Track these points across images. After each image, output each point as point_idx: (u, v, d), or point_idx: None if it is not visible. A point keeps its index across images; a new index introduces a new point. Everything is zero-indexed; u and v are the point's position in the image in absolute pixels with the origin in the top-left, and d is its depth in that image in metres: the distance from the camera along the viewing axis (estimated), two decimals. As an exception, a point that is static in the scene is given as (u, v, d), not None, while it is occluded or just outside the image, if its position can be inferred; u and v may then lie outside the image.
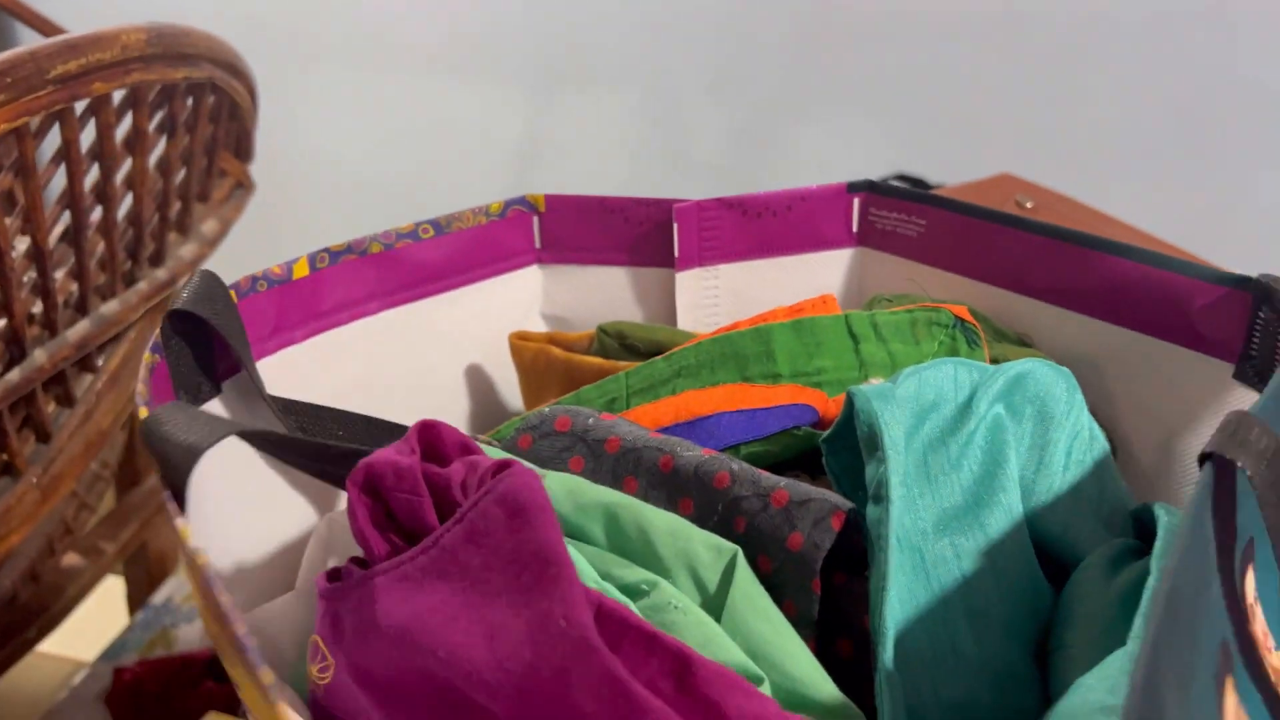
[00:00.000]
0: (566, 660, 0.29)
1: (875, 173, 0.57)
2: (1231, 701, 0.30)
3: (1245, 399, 0.45)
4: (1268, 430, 0.32)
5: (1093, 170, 1.12)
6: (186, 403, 0.43)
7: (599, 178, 1.18)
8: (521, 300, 0.59)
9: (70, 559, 0.75)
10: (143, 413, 0.37)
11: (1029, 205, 0.87)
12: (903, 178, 1.07)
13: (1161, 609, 0.25)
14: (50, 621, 0.73)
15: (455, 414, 0.58)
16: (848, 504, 0.37)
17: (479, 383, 0.58)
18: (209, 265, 0.73)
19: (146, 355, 0.40)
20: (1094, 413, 0.47)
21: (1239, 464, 0.30)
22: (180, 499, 0.33)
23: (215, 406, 0.45)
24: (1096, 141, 1.19)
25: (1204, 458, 0.30)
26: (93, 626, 0.78)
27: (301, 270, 0.49)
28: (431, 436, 0.37)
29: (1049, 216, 0.80)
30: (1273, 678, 0.36)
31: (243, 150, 0.75)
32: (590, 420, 0.43)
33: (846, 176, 0.58)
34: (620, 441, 0.41)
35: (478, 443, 0.42)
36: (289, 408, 0.48)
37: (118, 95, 0.58)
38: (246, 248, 0.78)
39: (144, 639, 0.75)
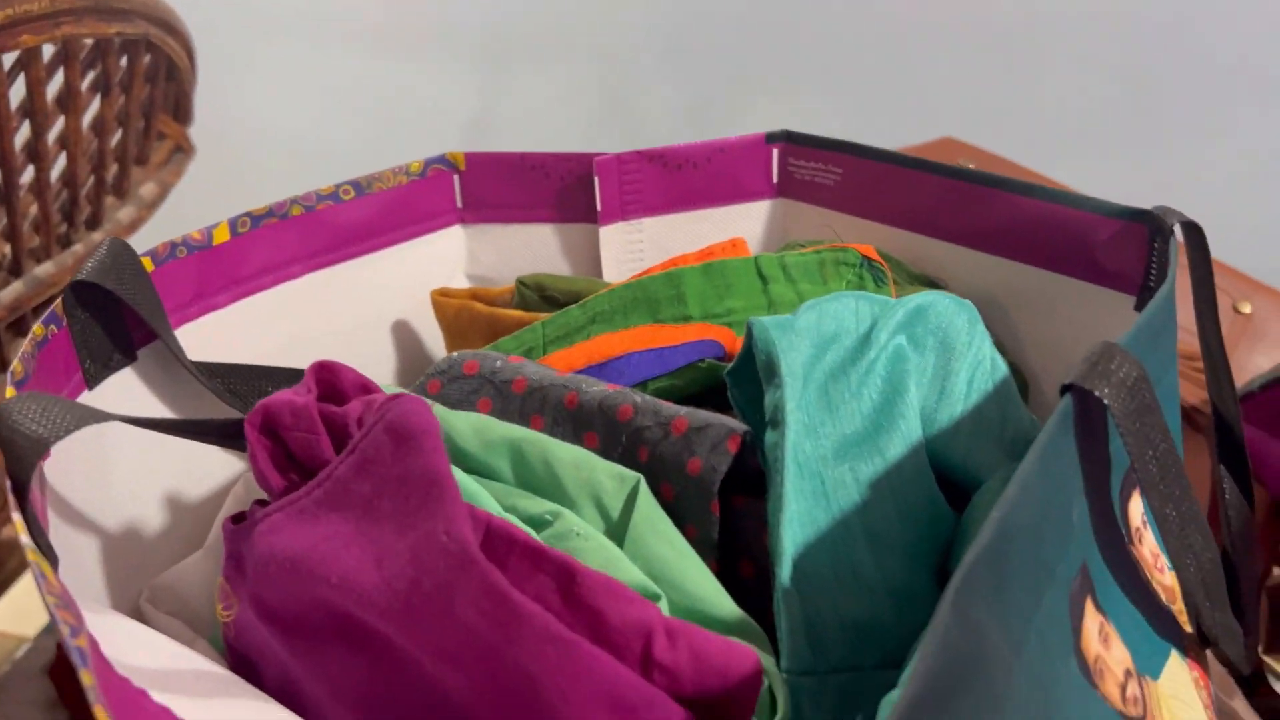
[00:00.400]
0: (448, 573, 0.30)
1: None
2: (1093, 622, 0.31)
3: (1149, 331, 0.46)
4: (1130, 359, 0.33)
5: (1048, 145, 1.13)
6: (95, 370, 0.43)
7: (550, 150, 1.17)
8: (446, 260, 0.59)
9: (9, 532, 0.75)
10: (9, 393, 0.36)
11: (970, 168, 0.88)
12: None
13: (988, 537, 0.25)
14: (-10, 595, 0.72)
15: (382, 373, 0.58)
16: (743, 427, 0.38)
17: (405, 342, 0.59)
18: (147, 229, 0.73)
19: (37, 328, 0.40)
20: (1002, 350, 0.48)
21: (1097, 394, 0.31)
22: (22, 491, 0.33)
23: (128, 375, 0.45)
24: (1050, 116, 1.20)
25: (1064, 389, 0.31)
26: (34, 601, 0.78)
27: (222, 235, 0.49)
28: (329, 377, 0.38)
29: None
30: (1162, 596, 0.37)
31: (181, 112, 0.75)
32: (498, 363, 0.43)
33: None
34: (527, 382, 0.42)
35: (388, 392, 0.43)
36: (213, 370, 0.48)
37: (48, 50, 0.58)
38: (190, 213, 0.77)
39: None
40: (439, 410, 0.41)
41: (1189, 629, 0.38)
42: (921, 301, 0.42)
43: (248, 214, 0.50)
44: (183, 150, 0.76)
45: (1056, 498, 0.30)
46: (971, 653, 0.24)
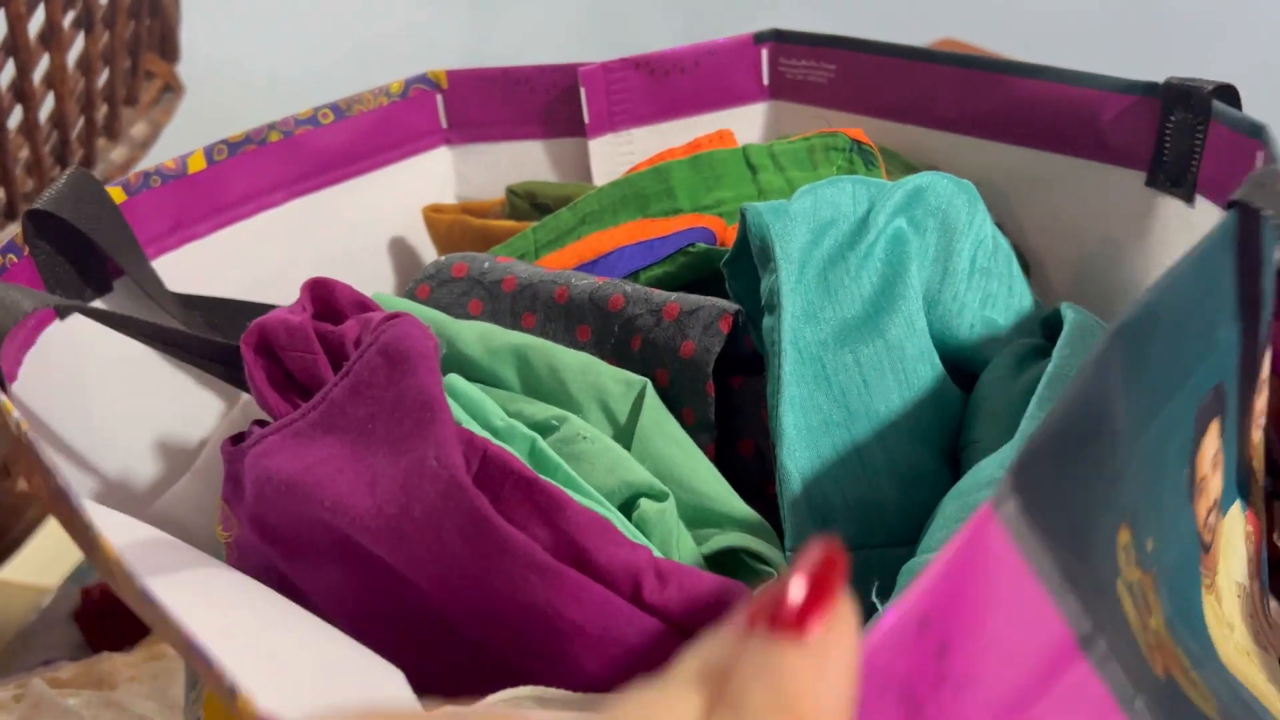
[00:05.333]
0: (436, 498, 0.29)
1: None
2: (1212, 444, 0.31)
3: (1160, 205, 0.45)
4: None
5: (1051, 45, 1.10)
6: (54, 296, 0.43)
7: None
8: (433, 182, 0.58)
9: (26, 484, 0.75)
10: None
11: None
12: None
13: (1134, 313, 0.25)
14: (10, 547, 0.73)
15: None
16: (734, 306, 0.37)
17: (397, 267, 0.58)
18: (141, 169, 0.72)
19: None
20: (1004, 233, 0.47)
21: (1264, 211, 0.29)
22: None
23: (102, 306, 0.44)
24: (1054, 14, 1.18)
25: (1229, 204, 0.30)
26: (55, 551, 0.78)
27: (198, 164, 0.48)
28: (325, 294, 0.37)
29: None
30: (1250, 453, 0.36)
31: (168, 50, 0.74)
32: (486, 264, 0.43)
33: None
34: (516, 280, 0.41)
35: (377, 299, 0.42)
36: (192, 303, 0.47)
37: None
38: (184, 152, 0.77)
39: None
40: (444, 319, 0.40)
41: (1259, 484, 0.38)
42: (919, 183, 0.41)
43: (224, 141, 0.49)
44: (172, 89, 0.75)
45: (1205, 303, 0.29)
46: (1100, 413, 0.25)
